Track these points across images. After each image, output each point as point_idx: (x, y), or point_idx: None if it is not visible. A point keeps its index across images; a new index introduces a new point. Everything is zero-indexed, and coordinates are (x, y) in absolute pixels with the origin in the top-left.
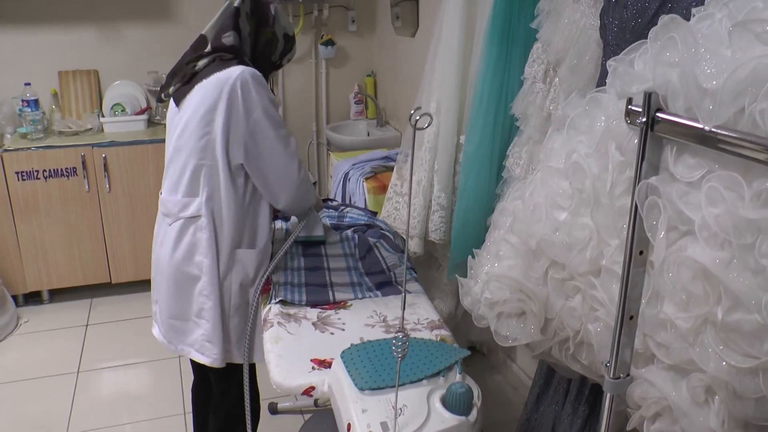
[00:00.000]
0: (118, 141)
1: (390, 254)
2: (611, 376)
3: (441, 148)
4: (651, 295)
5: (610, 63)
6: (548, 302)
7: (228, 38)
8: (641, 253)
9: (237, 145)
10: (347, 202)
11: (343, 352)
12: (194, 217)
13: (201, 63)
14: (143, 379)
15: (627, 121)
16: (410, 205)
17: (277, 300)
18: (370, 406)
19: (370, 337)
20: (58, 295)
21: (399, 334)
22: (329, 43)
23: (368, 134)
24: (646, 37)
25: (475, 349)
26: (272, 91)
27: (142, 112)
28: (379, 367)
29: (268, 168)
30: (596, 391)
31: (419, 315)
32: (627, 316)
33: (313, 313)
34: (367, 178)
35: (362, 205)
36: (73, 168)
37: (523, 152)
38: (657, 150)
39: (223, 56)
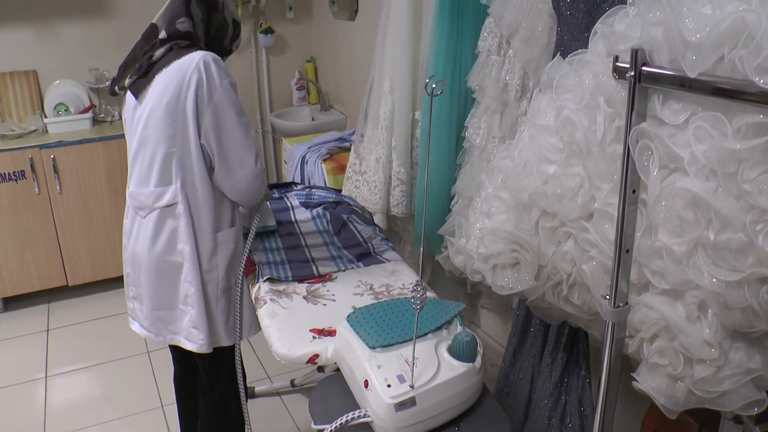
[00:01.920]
0: (66, 141)
1: (364, 227)
2: (612, 306)
3: (397, 125)
4: (645, 228)
5: (597, 26)
6: (540, 250)
7: (182, 24)
8: (634, 191)
9: (203, 129)
10: (307, 184)
11: (349, 316)
12: (170, 206)
13: (158, 52)
14: (116, 377)
15: (615, 77)
16: (428, 176)
17: (265, 279)
18: (384, 362)
19: (361, 304)
20: (13, 302)
21: (417, 286)
22: (268, 31)
23: (313, 119)
24: (600, 7)
25: None
26: None
27: (86, 111)
28: (384, 326)
29: (228, 153)
30: (573, 338)
31: (403, 280)
32: (624, 250)
33: (301, 288)
34: (324, 160)
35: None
36: (21, 171)
37: (482, 122)
38: (644, 100)
39: (180, 44)
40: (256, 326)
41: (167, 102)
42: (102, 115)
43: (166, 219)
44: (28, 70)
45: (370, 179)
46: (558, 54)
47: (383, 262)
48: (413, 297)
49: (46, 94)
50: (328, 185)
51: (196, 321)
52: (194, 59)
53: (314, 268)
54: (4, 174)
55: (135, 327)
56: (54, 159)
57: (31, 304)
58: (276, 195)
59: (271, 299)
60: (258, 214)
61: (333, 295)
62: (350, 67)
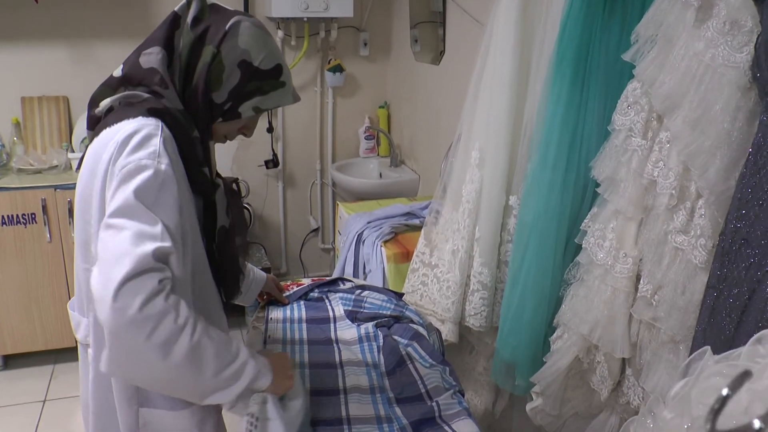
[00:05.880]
0: None
1: (429, 370)
2: None
3: (484, 211)
4: None
5: None
6: None
7: (148, 56)
8: None
9: None
10: (361, 269)
11: None
12: (86, 345)
13: (103, 104)
14: None
15: None
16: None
17: None
18: None
19: None
20: (15, 360)
21: None
22: (337, 69)
23: (380, 175)
24: None
25: None
26: (270, 124)
27: None
28: None
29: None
30: None
31: None
32: None
33: None
34: (386, 242)
35: (380, 276)
36: (32, 214)
37: (608, 230)
38: None
39: (131, 98)
40: None
41: (81, 191)
42: None
43: (87, 363)
44: (59, 95)
45: (443, 276)
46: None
47: None
48: None
49: (77, 125)
50: (387, 276)
51: None
52: (120, 131)
53: None
54: (13, 216)
55: None
56: (70, 203)
57: (34, 363)
58: (316, 294)
59: None
60: (250, 431)
61: None
62: (430, 119)
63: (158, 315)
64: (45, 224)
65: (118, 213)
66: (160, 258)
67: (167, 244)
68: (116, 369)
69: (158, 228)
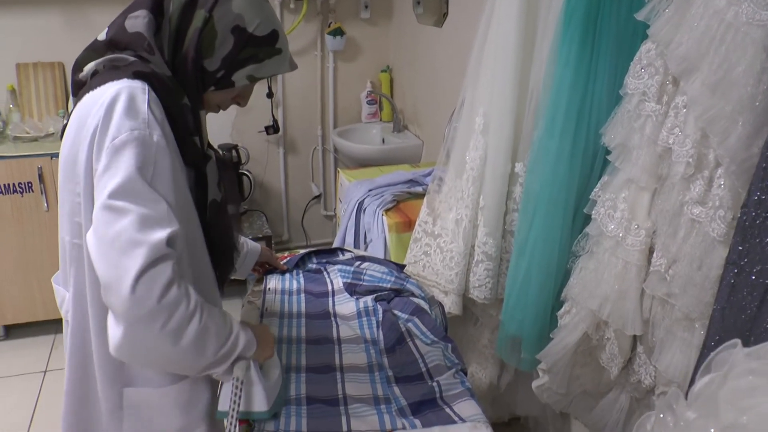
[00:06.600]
0: None
1: (430, 347)
2: None
3: (489, 179)
4: None
5: None
6: None
7: (134, 20)
8: None
9: None
10: (362, 239)
11: None
12: (67, 322)
13: (87, 68)
14: None
15: None
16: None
17: None
18: None
19: None
20: (16, 330)
21: None
22: (338, 32)
23: (383, 141)
24: None
25: (519, 423)
26: (269, 89)
27: None
28: None
29: (93, 259)
30: None
31: None
32: None
33: None
34: (387, 210)
35: (381, 245)
36: (29, 183)
37: (620, 200)
38: None
39: (117, 61)
40: None
41: (65, 160)
42: None
43: (67, 338)
44: (54, 62)
45: (446, 246)
46: None
47: (454, 422)
48: None
49: None
50: (389, 244)
51: None
52: (105, 94)
53: (345, 420)
54: (9, 185)
55: None
56: None
57: (35, 332)
58: (314, 265)
59: None
60: (236, 393)
61: None
62: (433, 82)
63: (173, 304)
64: (42, 193)
65: (120, 194)
66: (171, 243)
67: (175, 227)
68: (126, 354)
69: (163, 209)
